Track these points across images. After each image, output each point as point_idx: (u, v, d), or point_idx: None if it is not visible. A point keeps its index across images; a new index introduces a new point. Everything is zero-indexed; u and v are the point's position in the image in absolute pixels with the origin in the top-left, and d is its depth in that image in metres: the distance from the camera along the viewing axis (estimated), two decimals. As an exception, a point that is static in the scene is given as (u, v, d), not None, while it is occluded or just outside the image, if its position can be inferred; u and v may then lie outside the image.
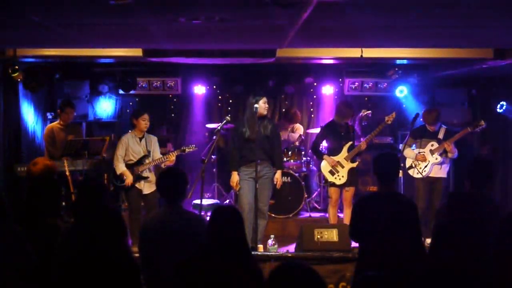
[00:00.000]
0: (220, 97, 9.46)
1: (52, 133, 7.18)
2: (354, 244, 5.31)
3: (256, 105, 6.08)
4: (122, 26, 4.58)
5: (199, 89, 9.11)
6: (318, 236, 5.82)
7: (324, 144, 7.13)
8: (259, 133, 6.10)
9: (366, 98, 9.24)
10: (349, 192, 6.78)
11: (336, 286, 5.34)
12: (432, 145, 6.88)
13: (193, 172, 7.96)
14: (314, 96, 9.49)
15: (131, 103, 9.23)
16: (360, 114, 7.75)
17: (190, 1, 3.65)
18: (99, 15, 4.07)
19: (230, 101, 9.46)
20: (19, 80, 7.37)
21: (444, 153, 6.88)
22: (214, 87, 9.35)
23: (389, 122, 6.78)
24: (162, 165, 6.55)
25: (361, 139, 7.06)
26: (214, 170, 8.36)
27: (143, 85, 8.68)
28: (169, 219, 3.80)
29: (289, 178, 7.76)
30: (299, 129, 8.77)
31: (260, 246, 6.11)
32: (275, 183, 6.30)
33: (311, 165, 8.49)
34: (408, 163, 7.01)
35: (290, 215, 7.80)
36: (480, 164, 4.29)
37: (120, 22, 4.31)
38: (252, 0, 3.51)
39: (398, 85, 8.67)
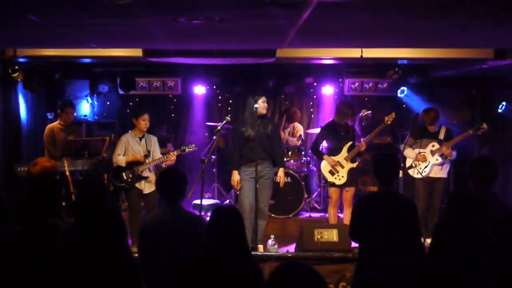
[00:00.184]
0: (220, 97, 9.46)
1: (52, 133, 7.19)
2: (354, 244, 5.30)
3: (255, 105, 6.07)
4: (122, 26, 4.58)
5: (199, 89, 9.10)
6: (318, 236, 5.82)
7: (324, 144, 7.13)
8: (259, 132, 6.10)
9: (366, 98, 9.24)
10: (349, 192, 6.77)
11: (336, 286, 5.33)
12: (433, 146, 6.88)
13: (193, 172, 7.98)
14: (314, 96, 9.49)
15: (131, 103, 9.23)
16: (360, 114, 7.74)
17: (190, 1, 3.65)
18: (99, 15, 4.07)
19: (230, 101, 9.47)
20: (19, 80, 7.38)
21: (444, 154, 6.88)
22: (214, 87, 9.35)
23: (389, 122, 6.77)
24: (163, 165, 6.56)
25: (361, 139, 7.06)
26: (214, 170, 8.36)
27: (143, 85, 8.68)
28: (169, 219, 3.79)
29: (289, 178, 7.74)
30: (299, 129, 8.78)
31: (260, 246, 6.11)
32: (278, 181, 6.30)
33: (311, 165, 8.48)
34: (408, 163, 7.01)
35: (290, 215, 7.81)
36: (481, 164, 4.27)
37: (120, 22, 4.31)
38: (252, 0, 3.51)
39: (398, 85, 8.67)
